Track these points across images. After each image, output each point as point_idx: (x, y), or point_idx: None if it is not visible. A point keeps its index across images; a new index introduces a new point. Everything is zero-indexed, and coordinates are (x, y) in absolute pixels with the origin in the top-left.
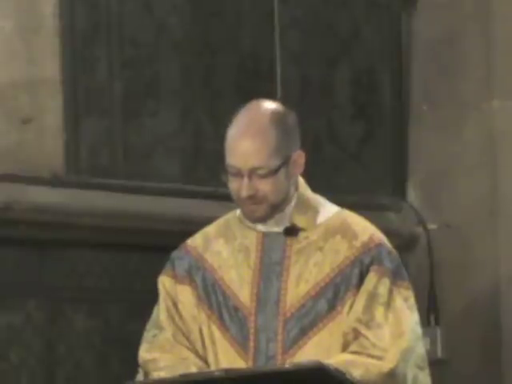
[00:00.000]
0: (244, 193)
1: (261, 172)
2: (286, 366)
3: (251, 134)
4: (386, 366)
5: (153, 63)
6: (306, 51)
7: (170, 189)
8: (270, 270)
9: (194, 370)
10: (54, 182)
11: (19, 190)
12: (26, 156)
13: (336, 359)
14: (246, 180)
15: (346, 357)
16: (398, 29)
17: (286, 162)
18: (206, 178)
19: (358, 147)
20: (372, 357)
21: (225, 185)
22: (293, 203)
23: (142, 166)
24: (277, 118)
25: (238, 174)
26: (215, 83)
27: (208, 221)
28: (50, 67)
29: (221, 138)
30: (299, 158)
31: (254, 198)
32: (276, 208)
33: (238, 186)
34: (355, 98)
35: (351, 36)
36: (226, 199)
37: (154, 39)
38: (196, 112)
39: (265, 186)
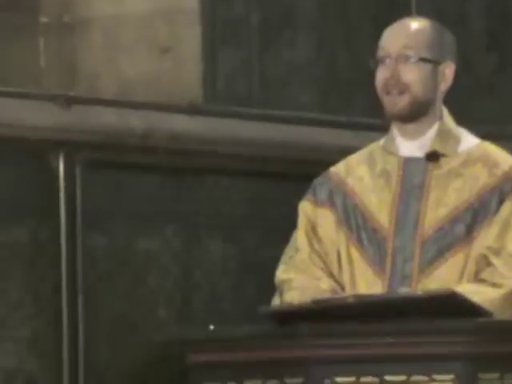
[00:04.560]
0: (388, 73)
1: (409, 53)
2: (419, 292)
3: (408, 23)
4: (501, 291)
5: None
6: None
7: (305, 117)
8: (409, 194)
9: (324, 287)
10: (192, 110)
11: (158, 118)
12: (165, 85)
13: (459, 289)
14: (392, 62)
15: (469, 287)
16: None
17: (435, 63)
18: (341, 107)
19: (492, 77)
20: (494, 285)
21: (372, 70)
22: (435, 129)
23: (278, 95)
24: (436, 25)
25: (387, 57)
26: (351, 14)
27: (342, 149)
28: None
29: (355, 68)
30: (449, 69)
31: (396, 85)
32: (418, 106)
33: (383, 74)
34: (489, 29)
35: None
36: (359, 128)
37: None
38: (332, 42)
39: (409, 74)
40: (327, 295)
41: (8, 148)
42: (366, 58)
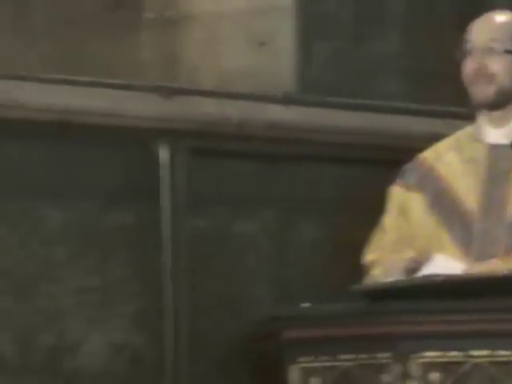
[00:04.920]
0: (475, 65)
1: (495, 46)
2: (505, 272)
3: (493, 17)
4: None
5: None
6: None
7: (393, 106)
8: (496, 180)
9: (410, 255)
10: (286, 100)
11: (254, 108)
12: (261, 76)
13: None
14: (478, 54)
15: None
16: None
17: None
18: (428, 97)
19: None
20: None
21: (458, 62)
22: None
23: (368, 86)
24: None
25: (473, 50)
26: (438, 9)
27: (429, 137)
28: None
29: (441, 61)
30: None
31: (482, 76)
32: (503, 95)
33: (471, 65)
34: None
35: None
36: (446, 116)
37: None
38: (419, 36)
39: (495, 65)
40: (416, 276)
41: (115, 136)
42: (452, 50)
